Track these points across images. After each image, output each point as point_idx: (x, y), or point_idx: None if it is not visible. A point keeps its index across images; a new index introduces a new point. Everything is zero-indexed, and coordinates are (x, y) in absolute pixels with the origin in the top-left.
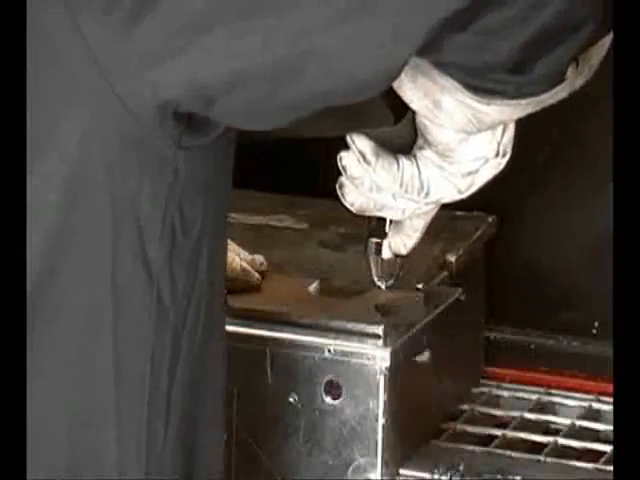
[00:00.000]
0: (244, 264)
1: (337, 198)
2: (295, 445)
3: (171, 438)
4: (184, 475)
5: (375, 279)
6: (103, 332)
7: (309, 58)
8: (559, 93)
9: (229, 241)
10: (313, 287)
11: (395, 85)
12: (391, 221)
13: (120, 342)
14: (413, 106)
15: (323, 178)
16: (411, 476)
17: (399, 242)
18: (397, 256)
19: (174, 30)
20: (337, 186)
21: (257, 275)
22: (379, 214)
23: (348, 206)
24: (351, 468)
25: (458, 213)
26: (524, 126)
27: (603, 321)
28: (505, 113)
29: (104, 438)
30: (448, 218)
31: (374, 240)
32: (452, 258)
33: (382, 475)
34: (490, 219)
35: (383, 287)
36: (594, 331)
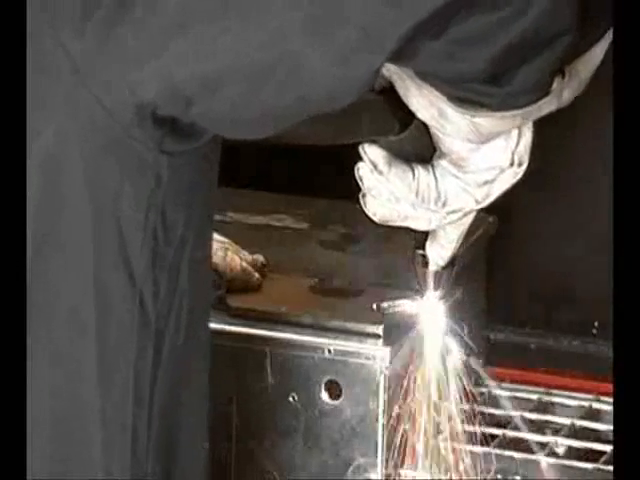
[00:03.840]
0: (244, 264)
1: (337, 198)
2: (295, 445)
3: (153, 441)
4: (164, 477)
5: (422, 291)
6: (87, 336)
7: (282, 62)
8: (546, 106)
9: (229, 241)
10: (313, 287)
11: (401, 93)
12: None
13: (104, 347)
14: (419, 115)
15: (323, 178)
16: (411, 476)
17: (435, 253)
18: (444, 267)
19: (150, 33)
20: (360, 196)
21: (257, 275)
22: (404, 224)
23: (371, 216)
24: (351, 468)
25: None
26: None
27: (603, 321)
28: (494, 125)
29: (90, 441)
30: None
31: (420, 252)
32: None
33: (382, 475)
34: (490, 219)
35: (431, 299)
36: (594, 331)
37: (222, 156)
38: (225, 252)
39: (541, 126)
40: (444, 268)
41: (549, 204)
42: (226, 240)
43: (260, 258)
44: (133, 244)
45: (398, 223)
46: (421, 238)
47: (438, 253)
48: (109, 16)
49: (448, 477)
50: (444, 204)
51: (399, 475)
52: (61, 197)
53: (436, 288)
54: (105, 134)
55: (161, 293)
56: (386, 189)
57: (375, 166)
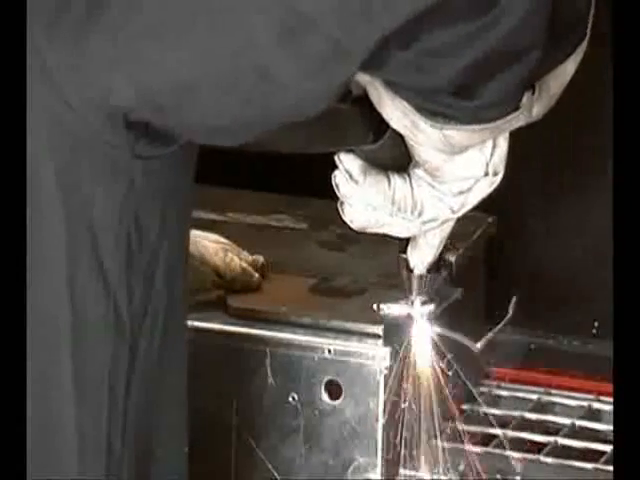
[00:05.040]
0: (244, 264)
1: (337, 198)
2: (295, 445)
3: (128, 449)
4: None
5: (408, 295)
6: (62, 341)
7: (252, 71)
8: (515, 120)
9: (229, 242)
10: (313, 287)
11: (375, 102)
12: None
13: (79, 354)
14: (393, 124)
15: (323, 178)
16: (411, 476)
17: (417, 259)
18: (429, 271)
19: (121, 39)
20: (338, 204)
21: (257, 275)
22: (382, 231)
23: (349, 223)
24: (351, 468)
25: None
26: (524, 127)
27: (603, 321)
28: (464, 137)
29: (65, 448)
30: None
31: (404, 256)
32: (452, 258)
33: (382, 475)
34: (490, 219)
35: (418, 303)
36: (594, 331)
37: (222, 156)
38: (225, 253)
39: (541, 127)
40: (429, 272)
41: (549, 204)
42: (226, 241)
43: (260, 259)
44: (106, 249)
45: (375, 230)
46: (404, 243)
47: (419, 258)
48: (81, 21)
49: (448, 477)
50: (420, 213)
51: (399, 475)
52: (35, 200)
53: (421, 292)
54: (77, 138)
55: (135, 298)
56: (362, 198)
57: (350, 175)
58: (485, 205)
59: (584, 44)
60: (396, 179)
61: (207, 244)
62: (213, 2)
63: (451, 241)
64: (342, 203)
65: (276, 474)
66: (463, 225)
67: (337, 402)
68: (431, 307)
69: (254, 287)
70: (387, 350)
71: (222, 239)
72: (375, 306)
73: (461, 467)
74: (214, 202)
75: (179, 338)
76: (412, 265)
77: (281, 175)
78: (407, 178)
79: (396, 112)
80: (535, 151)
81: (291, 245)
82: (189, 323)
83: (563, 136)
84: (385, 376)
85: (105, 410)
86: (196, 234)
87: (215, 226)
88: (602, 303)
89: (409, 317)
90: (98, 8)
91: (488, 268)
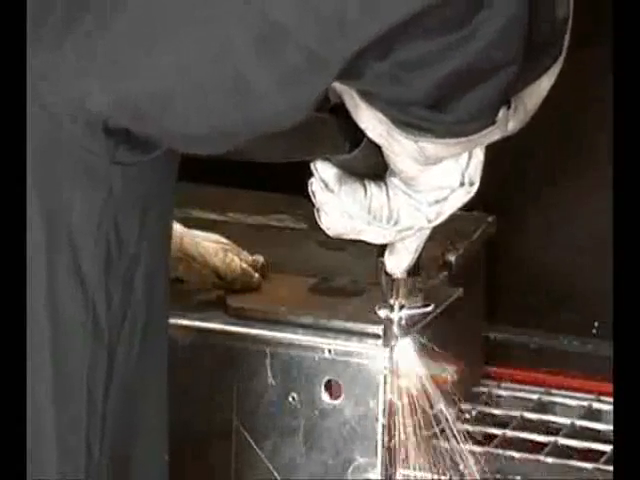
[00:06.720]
0: (244, 264)
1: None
2: (295, 445)
3: (107, 454)
4: None
5: (387, 299)
6: (42, 346)
7: (230, 81)
8: (490, 135)
9: (229, 242)
10: (313, 287)
11: (351, 111)
12: None
13: (58, 358)
14: (369, 133)
15: None
16: (411, 476)
17: (394, 263)
18: (409, 275)
19: (99, 45)
20: (315, 211)
21: (257, 275)
22: (358, 238)
23: (326, 230)
24: (351, 468)
25: (458, 213)
26: (524, 127)
27: (603, 321)
28: (438, 150)
29: (45, 453)
30: (448, 218)
31: (382, 259)
32: (452, 258)
33: (382, 475)
34: (490, 219)
35: (396, 307)
36: (594, 331)
37: (221, 156)
38: (225, 253)
39: (540, 127)
40: (410, 275)
41: (549, 204)
42: (226, 241)
43: (260, 259)
44: (85, 254)
45: (352, 237)
46: (382, 247)
47: (397, 263)
48: (60, 26)
49: (448, 477)
50: (396, 222)
51: (399, 475)
52: None
53: (401, 295)
54: (56, 143)
55: (114, 304)
56: (338, 206)
57: (326, 184)
58: (485, 205)
59: (561, 60)
60: (372, 188)
61: (207, 244)
62: (192, 9)
63: (451, 241)
64: (319, 210)
65: (276, 474)
66: (463, 225)
67: (337, 402)
68: (410, 311)
69: (254, 287)
70: (387, 350)
71: (222, 239)
72: (377, 307)
73: (461, 467)
74: (214, 202)
75: (159, 343)
76: (389, 269)
77: (281, 175)
78: (383, 187)
79: (372, 121)
80: (535, 151)
81: (291, 245)
82: (189, 323)
83: (563, 136)
84: (385, 376)
85: (84, 414)
86: (196, 234)
87: (215, 226)
88: (602, 303)
89: (389, 320)
90: (78, 13)
91: (488, 268)
